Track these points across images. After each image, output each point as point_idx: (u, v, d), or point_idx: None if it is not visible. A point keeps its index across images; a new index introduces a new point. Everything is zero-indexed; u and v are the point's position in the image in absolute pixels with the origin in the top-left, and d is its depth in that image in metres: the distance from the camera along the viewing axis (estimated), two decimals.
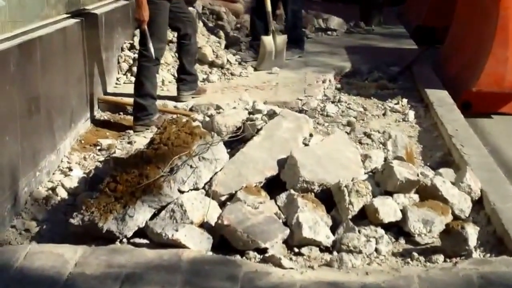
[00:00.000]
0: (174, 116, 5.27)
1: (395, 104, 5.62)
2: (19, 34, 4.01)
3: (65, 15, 4.95)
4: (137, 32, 6.38)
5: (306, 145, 3.87)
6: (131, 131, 5.09)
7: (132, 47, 6.34)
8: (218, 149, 3.60)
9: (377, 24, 8.91)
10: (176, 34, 5.73)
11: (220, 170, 3.58)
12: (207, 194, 3.51)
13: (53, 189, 4.02)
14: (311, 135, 3.93)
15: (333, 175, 3.66)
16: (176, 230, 3.17)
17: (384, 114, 5.39)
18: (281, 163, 3.70)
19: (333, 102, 5.60)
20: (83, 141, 4.91)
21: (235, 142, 3.87)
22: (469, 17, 6.27)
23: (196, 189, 3.50)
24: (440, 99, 5.41)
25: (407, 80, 6.33)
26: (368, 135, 4.83)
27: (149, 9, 4.89)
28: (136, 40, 6.32)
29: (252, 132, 3.78)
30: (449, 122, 4.81)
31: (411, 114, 5.31)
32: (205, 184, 3.54)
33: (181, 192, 3.43)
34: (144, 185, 3.36)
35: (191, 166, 3.48)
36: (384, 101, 5.71)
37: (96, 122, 5.36)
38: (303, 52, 7.25)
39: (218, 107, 4.75)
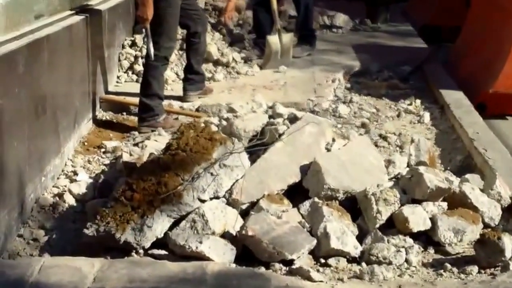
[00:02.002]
0: (185, 118, 5.13)
1: (408, 105, 5.46)
2: (27, 33, 3.82)
3: (70, 12, 4.75)
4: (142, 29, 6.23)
5: (328, 150, 3.70)
6: (136, 132, 4.90)
7: (133, 44, 6.14)
8: (239, 155, 3.43)
9: (383, 22, 8.71)
10: (181, 32, 5.55)
11: (241, 178, 3.40)
12: (228, 203, 3.34)
13: (60, 196, 3.83)
14: (333, 139, 3.76)
15: (357, 182, 3.50)
16: (200, 242, 3.00)
17: (398, 116, 5.23)
18: (304, 170, 3.53)
19: (344, 103, 5.44)
20: (86, 143, 4.71)
21: (255, 147, 3.69)
22: (485, 17, 6.10)
23: (217, 197, 3.32)
24: (457, 100, 5.25)
25: (418, 80, 6.17)
26: (384, 138, 4.67)
27: (160, 6, 4.69)
28: (138, 37, 6.15)
29: (276, 137, 3.60)
30: (469, 125, 4.65)
31: (427, 115, 5.15)
32: (225, 192, 3.37)
33: (201, 201, 3.26)
34: (165, 195, 3.18)
35: (211, 174, 3.31)
36: (396, 101, 5.56)
37: (98, 123, 5.16)
38: (313, 49, 7.01)
39: (231, 110, 4.56)
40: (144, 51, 5.99)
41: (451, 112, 5.04)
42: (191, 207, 3.21)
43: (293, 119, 3.85)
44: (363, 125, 4.94)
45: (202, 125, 3.63)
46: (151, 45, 4.74)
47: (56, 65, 4.10)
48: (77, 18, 4.70)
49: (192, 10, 5.14)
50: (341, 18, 8.23)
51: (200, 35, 5.25)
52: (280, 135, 3.64)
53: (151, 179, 3.29)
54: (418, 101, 5.51)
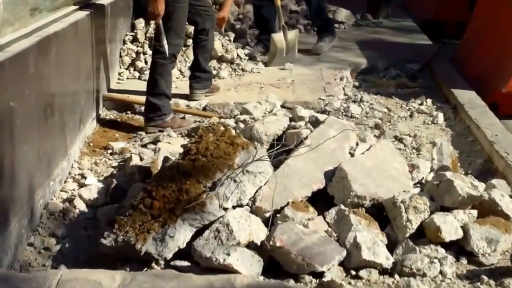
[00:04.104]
0: (192, 117, 4.97)
1: (419, 104, 5.32)
2: (34, 31, 3.63)
3: (74, 7, 4.57)
4: (139, 24, 6.05)
5: (351, 155, 3.56)
6: (143, 133, 4.73)
7: (134, 40, 5.96)
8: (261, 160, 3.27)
9: (384, 17, 8.59)
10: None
11: (265, 184, 3.24)
12: (252, 211, 3.18)
13: (69, 201, 3.66)
14: (357, 143, 3.62)
15: (383, 188, 3.36)
16: (228, 254, 2.84)
17: (411, 116, 5.09)
18: (328, 176, 3.38)
19: (354, 102, 5.30)
20: (91, 144, 4.54)
21: (271, 151, 3.53)
22: (494, 13, 5.96)
23: (240, 205, 3.16)
24: (470, 100, 5.10)
25: (426, 78, 6.04)
26: (400, 140, 4.57)
27: (169, 2, 4.51)
28: (140, 32, 5.97)
29: (302, 139, 3.45)
30: (486, 127, 4.50)
31: (440, 116, 5.00)
32: (248, 200, 3.21)
33: (224, 209, 3.10)
34: (188, 203, 3.02)
35: (234, 181, 3.15)
36: (407, 101, 5.42)
37: (102, 122, 4.99)
38: (335, 37, 6.84)
39: (246, 111, 4.38)
40: (146, 47, 5.85)
41: (465, 113, 4.89)
42: (215, 216, 3.05)
43: (314, 123, 3.69)
44: (377, 126, 4.81)
45: (222, 128, 3.47)
46: (165, 41, 4.56)
47: (63, 64, 3.93)
48: (82, 13, 4.52)
49: (201, 6, 4.97)
50: (343, 13, 8.09)
51: (208, 32, 5.10)
52: (303, 139, 3.49)
53: (171, 185, 3.12)
54: (429, 101, 5.38)
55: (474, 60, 6.08)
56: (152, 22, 5.85)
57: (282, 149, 3.36)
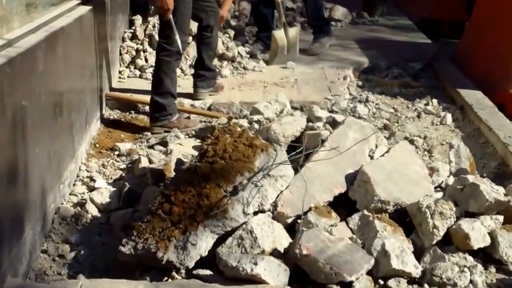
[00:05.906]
0: (197, 117, 4.85)
1: (425, 105, 5.25)
2: (41, 25, 3.48)
3: (76, 2, 4.42)
4: (137, 21, 5.91)
5: (371, 157, 3.46)
6: (149, 133, 4.60)
7: (133, 37, 5.81)
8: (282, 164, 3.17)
9: (380, 15, 8.52)
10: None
11: (286, 189, 3.14)
12: (273, 217, 3.07)
13: (81, 205, 3.52)
14: (376, 146, 3.52)
15: (406, 193, 3.27)
16: (255, 264, 2.72)
17: (418, 116, 5.02)
18: (349, 179, 3.28)
19: (360, 102, 5.21)
20: (97, 145, 4.40)
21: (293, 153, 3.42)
22: (496, 12, 5.88)
23: (262, 211, 3.05)
24: (478, 101, 5.03)
25: (429, 78, 5.97)
26: (411, 141, 4.48)
27: None
28: (139, 30, 5.82)
29: (323, 139, 3.35)
30: (498, 128, 4.44)
31: (449, 117, 4.93)
32: (270, 205, 3.10)
33: (245, 214, 2.99)
34: (208, 208, 2.90)
35: (255, 185, 3.04)
36: (412, 101, 5.35)
37: (106, 122, 4.85)
38: (331, 38, 6.71)
39: (256, 111, 4.27)
40: (146, 45, 5.71)
41: (475, 113, 4.82)
42: (237, 222, 2.94)
43: (332, 123, 3.59)
44: (386, 127, 4.73)
45: (238, 129, 3.36)
46: (177, 37, 4.42)
47: (69, 61, 3.79)
48: (86, 8, 4.37)
49: (205, 2, 4.84)
50: (339, 11, 8.00)
51: (213, 29, 4.97)
52: (323, 141, 3.39)
53: (190, 190, 3.00)
54: (435, 101, 5.31)
55: (476, 60, 6.00)
56: (152, 18, 5.76)
57: (307, 152, 3.24)
